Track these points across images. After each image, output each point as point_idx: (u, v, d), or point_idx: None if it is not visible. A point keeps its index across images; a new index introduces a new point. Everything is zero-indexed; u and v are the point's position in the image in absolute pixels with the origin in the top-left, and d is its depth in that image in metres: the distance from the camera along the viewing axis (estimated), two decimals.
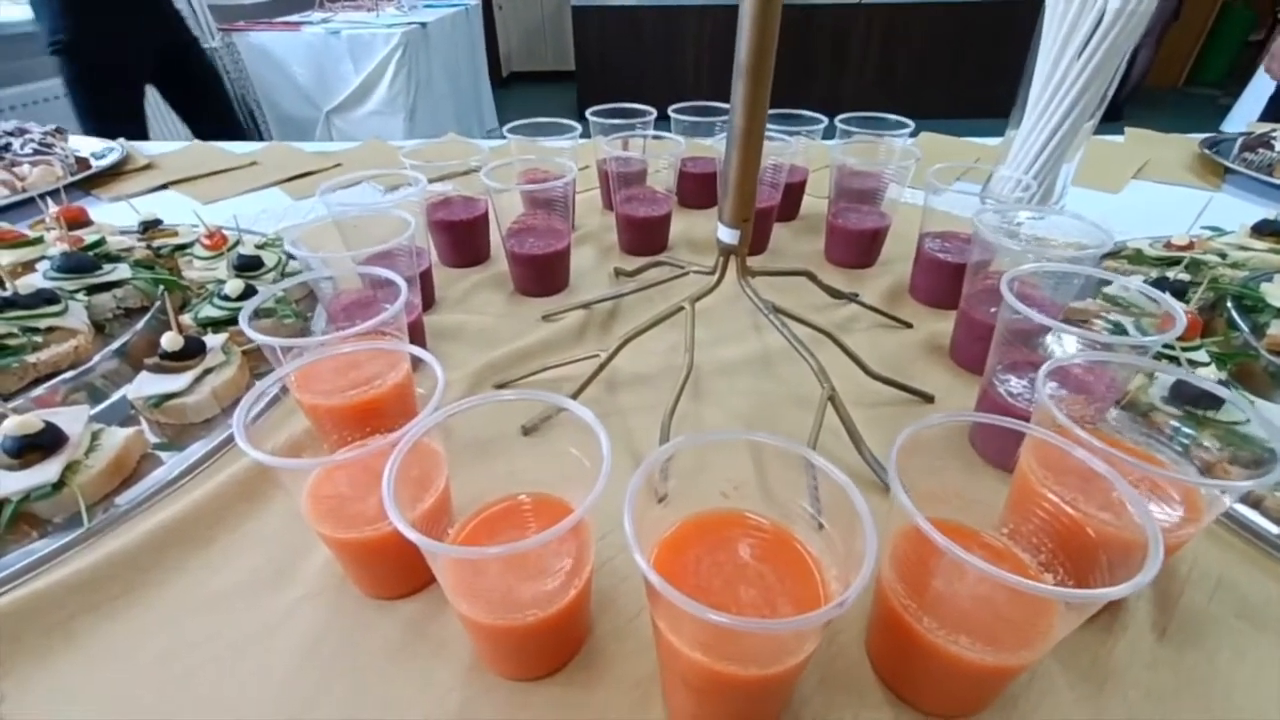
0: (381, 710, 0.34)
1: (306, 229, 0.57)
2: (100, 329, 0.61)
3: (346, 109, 2.86)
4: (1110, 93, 0.70)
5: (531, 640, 0.32)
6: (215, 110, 1.86)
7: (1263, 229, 0.73)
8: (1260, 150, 1.04)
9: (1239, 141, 1.10)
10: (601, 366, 0.54)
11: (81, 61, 1.55)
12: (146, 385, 0.53)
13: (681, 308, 0.56)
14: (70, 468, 0.45)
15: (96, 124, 1.47)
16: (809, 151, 0.90)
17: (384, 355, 0.46)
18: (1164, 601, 0.39)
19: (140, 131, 1.67)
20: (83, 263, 0.62)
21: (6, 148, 1.07)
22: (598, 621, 0.39)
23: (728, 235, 0.53)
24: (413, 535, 0.26)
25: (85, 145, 1.19)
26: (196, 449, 0.51)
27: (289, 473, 0.36)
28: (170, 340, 0.53)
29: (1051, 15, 0.69)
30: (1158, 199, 1.00)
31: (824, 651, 0.36)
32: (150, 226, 0.78)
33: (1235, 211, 0.90)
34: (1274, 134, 1.07)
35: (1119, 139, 1.25)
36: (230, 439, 0.52)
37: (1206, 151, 1.10)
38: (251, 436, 0.32)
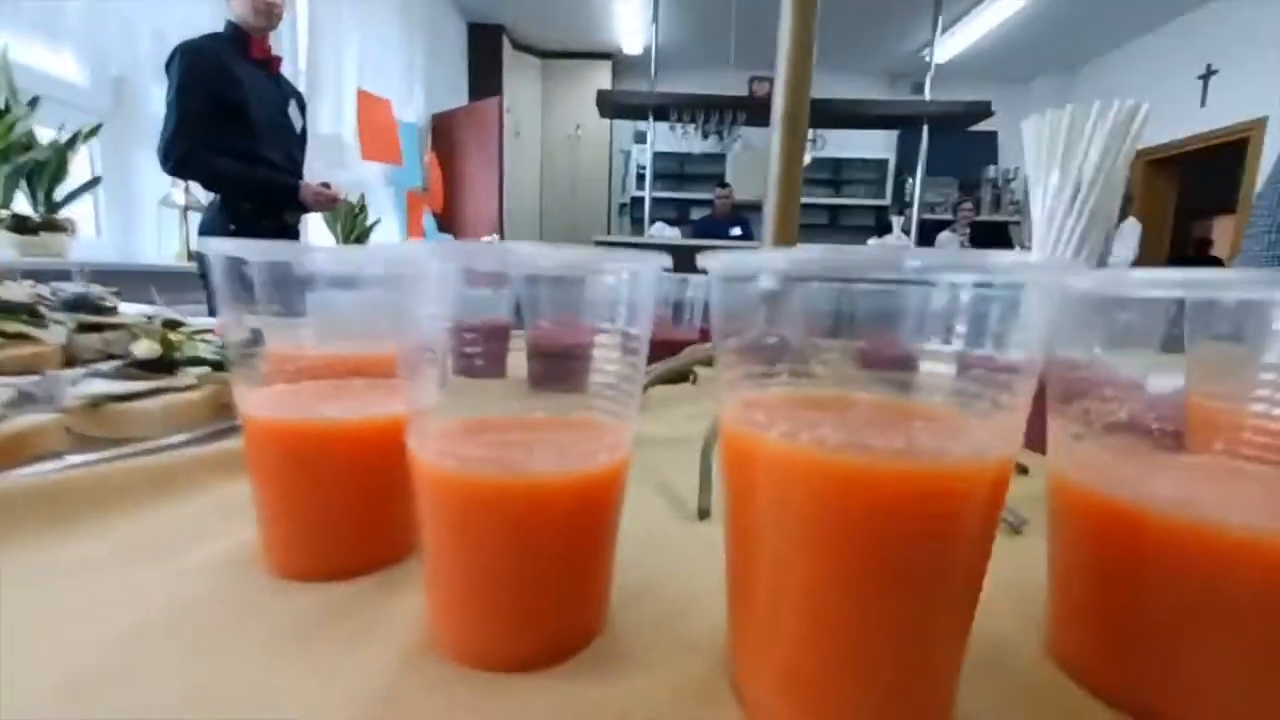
0: (252, 703, 0.20)
1: None
2: (71, 365, 0.55)
3: None
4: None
5: (537, 531, 0.20)
6: None
7: None
8: None
9: None
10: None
11: None
12: (90, 385, 0.45)
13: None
14: None
15: None
16: None
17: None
18: None
19: None
20: (86, 303, 0.59)
21: None
22: (618, 618, 0.25)
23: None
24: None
25: None
26: (108, 453, 0.40)
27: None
28: (145, 348, 0.47)
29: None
30: None
31: (987, 665, 0.23)
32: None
33: None
34: None
35: None
36: (156, 450, 0.42)
37: None
38: None
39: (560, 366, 0.22)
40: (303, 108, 1.76)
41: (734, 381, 0.20)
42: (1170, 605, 0.19)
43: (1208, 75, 3.66)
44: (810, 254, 0.16)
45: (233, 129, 1.49)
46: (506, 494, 0.19)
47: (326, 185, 1.87)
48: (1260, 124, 3.34)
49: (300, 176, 1.83)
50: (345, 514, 0.26)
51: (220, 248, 0.24)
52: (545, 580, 0.21)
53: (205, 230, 1.92)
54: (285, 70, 2.68)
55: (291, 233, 2.13)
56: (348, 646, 0.23)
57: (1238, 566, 0.17)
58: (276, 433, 0.25)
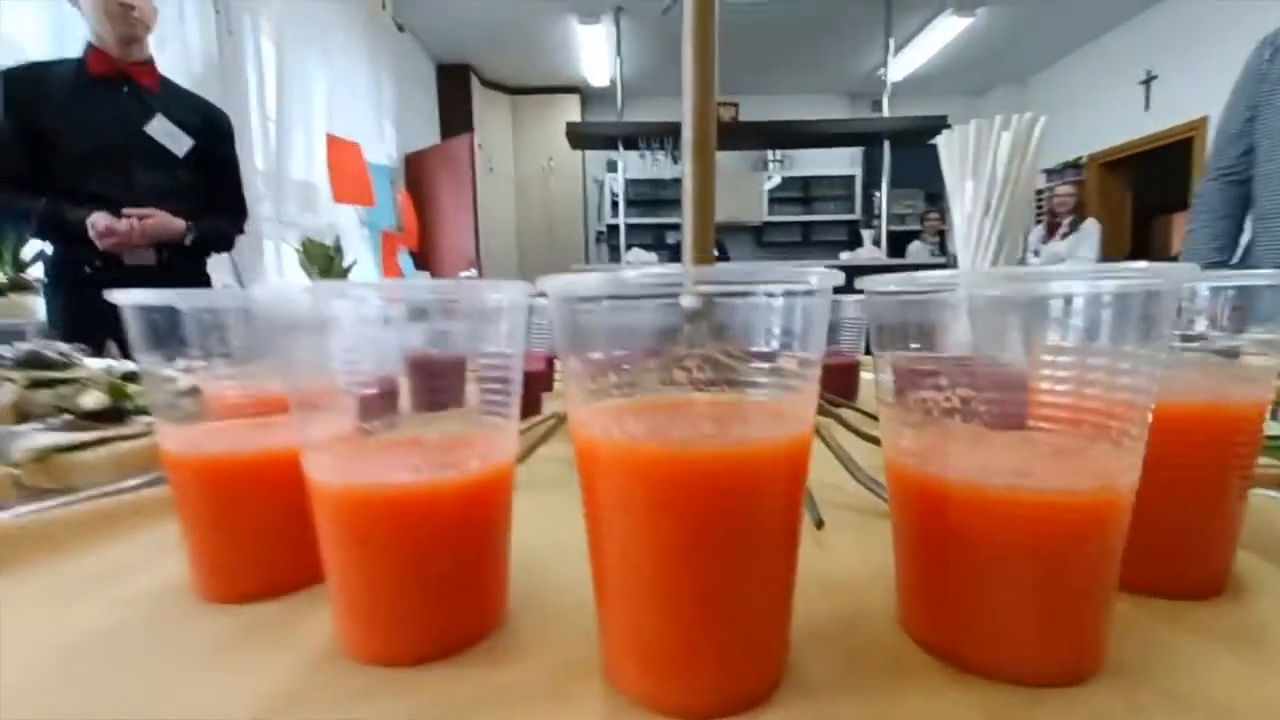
0: (169, 703, 0.22)
1: None
2: (24, 421, 0.56)
3: None
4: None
5: (429, 538, 0.22)
6: None
7: None
8: None
9: None
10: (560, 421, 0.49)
11: None
12: (36, 438, 0.46)
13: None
14: None
15: None
16: None
17: None
18: None
19: None
20: (39, 360, 0.61)
21: None
22: (520, 614, 0.27)
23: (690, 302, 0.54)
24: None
25: None
26: (54, 502, 0.42)
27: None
28: (94, 399, 0.49)
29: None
30: None
31: (838, 633, 0.25)
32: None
33: None
34: None
35: None
36: (102, 496, 0.44)
37: None
38: None
39: (433, 386, 0.24)
40: (203, 128, 1.41)
41: (578, 393, 0.23)
42: (965, 559, 0.21)
43: (1149, 80, 3.83)
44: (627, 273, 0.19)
45: (47, 163, 1.25)
46: (383, 504, 0.22)
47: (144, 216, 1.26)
48: (1202, 123, 3.49)
49: (164, 207, 1.31)
50: (261, 541, 0.28)
51: (128, 299, 0.26)
52: (428, 582, 0.23)
53: (51, 284, 1.37)
54: (254, 117, 2.60)
55: (183, 275, 1.45)
56: (261, 655, 0.25)
57: (1009, 522, 0.20)
58: (190, 467, 0.27)
